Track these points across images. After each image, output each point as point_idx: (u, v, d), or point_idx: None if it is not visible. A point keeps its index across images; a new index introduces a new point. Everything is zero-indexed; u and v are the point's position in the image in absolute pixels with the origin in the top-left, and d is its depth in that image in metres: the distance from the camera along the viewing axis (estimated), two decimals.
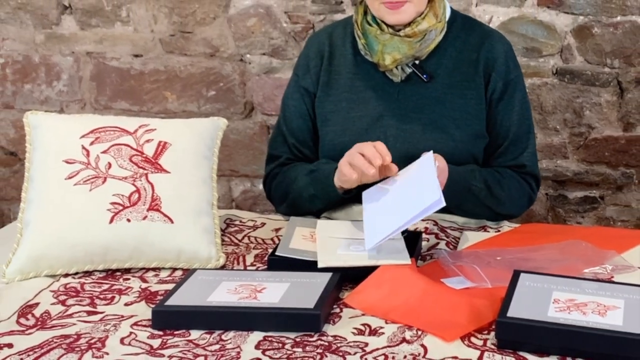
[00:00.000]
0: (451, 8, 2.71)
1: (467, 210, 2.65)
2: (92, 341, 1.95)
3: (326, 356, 1.87)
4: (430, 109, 2.64)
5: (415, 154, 2.52)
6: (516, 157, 2.71)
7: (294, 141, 2.77)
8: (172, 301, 2.05)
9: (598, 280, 2.17)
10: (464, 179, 2.58)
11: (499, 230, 2.62)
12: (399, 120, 2.63)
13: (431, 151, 2.36)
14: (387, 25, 2.58)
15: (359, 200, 2.53)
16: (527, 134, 2.73)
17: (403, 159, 2.51)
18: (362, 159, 2.35)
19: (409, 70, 2.64)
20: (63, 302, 2.16)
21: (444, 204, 2.18)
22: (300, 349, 1.90)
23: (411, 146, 2.59)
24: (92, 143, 2.46)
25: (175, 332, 1.98)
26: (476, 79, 2.66)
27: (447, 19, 2.66)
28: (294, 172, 2.69)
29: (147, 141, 2.49)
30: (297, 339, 1.95)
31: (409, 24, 2.57)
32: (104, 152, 2.45)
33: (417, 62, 2.64)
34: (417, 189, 2.29)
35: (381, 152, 2.34)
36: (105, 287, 2.26)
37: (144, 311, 2.10)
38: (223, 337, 1.96)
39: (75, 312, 2.10)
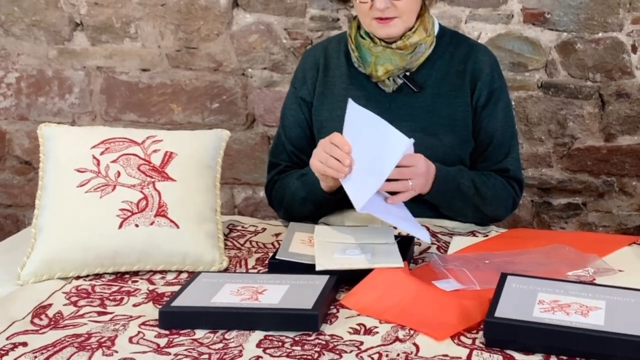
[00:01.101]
0: (439, 24, 2.71)
1: (456, 209, 2.65)
2: (102, 340, 1.95)
3: (323, 354, 1.87)
4: (421, 117, 2.65)
5: None
6: (500, 162, 2.71)
7: (292, 149, 2.77)
8: (178, 302, 2.05)
9: (581, 282, 2.17)
10: (452, 177, 2.58)
11: (487, 235, 2.62)
12: None
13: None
14: (380, 39, 2.60)
15: (352, 205, 2.54)
16: (510, 140, 2.74)
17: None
18: (334, 162, 2.35)
19: (400, 81, 2.65)
20: (75, 303, 2.16)
21: (412, 140, 2.27)
22: (299, 348, 1.90)
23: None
24: (102, 153, 2.46)
25: (181, 332, 1.98)
26: (463, 89, 2.67)
27: (435, 33, 2.67)
28: (289, 177, 2.70)
29: (154, 151, 2.49)
30: (296, 338, 1.94)
31: (401, 37, 2.59)
32: (114, 161, 2.45)
33: (407, 73, 2.65)
34: (382, 142, 2.32)
35: (341, 146, 2.35)
36: (115, 288, 2.26)
37: (152, 312, 2.10)
38: (226, 336, 1.96)
39: (86, 313, 2.10)
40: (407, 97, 2.67)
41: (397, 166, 2.39)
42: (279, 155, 2.80)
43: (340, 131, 2.57)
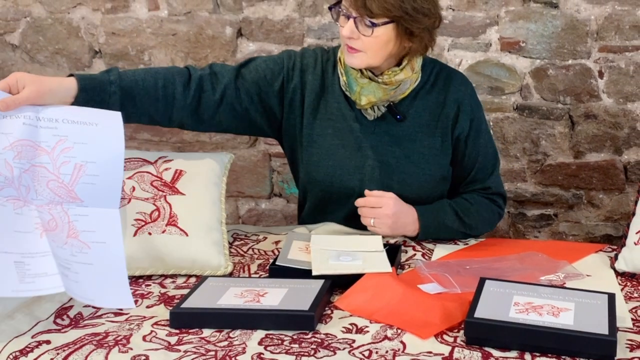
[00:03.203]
0: None
1: (445, 239, 2.62)
2: (119, 338, 1.95)
3: (319, 351, 1.87)
4: (404, 145, 2.58)
5: (391, 183, 2.56)
6: (483, 182, 2.68)
7: (225, 81, 2.53)
8: (187, 304, 2.05)
9: (552, 286, 2.17)
10: (435, 218, 2.57)
11: (467, 244, 2.62)
12: (376, 152, 2.58)
13: None
14: (367, 69, 2.49)
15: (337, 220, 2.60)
16: (493, 160, 2.70)
17: (380, 186, 2.55)
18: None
19: (382, 110, 2.56)
20: (94, 305, 2.16)
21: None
22: (297, 345, 1.90)
23: (387, 176, 2.58)
24: None
25: (190, 331, 1.98)
26: (442, 119, 2.59)
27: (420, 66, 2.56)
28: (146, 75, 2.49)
29: (166, 169, 2.50)
30: (295, 337, 1.95)
31: (388, 72, 2.48)
32: (129, 178, 2.45)
33: (391, 103, 2.56)
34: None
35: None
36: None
37: (163, 313, 2.10)
38: (231, 334, 1.96)
39: (104, 314, 2.10)
40: (390, 125, 2.58)
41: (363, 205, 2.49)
42: (219, 69, 2.57)
43: (330, 147, 2.56)
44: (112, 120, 2.28)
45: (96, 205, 2.22)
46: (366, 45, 2.40)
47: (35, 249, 2.09)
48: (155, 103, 2.47)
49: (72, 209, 2.20)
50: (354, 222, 2.58)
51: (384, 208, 2.50)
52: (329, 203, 2.63)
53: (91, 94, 2.35)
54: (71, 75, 2.36)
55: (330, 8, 2.46)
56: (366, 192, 2.53)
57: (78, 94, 2.32)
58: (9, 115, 2.17)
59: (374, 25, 2.36)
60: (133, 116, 2.47)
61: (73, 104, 2.31)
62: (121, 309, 2.12)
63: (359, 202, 2.54)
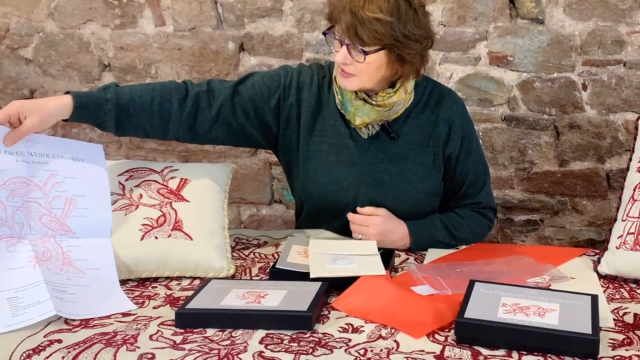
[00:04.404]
0: None
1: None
2: (127, 337, 1.95)
3: (317, 350, 1.88)
4: (397, 162, 2.55)
5: (384, 199, 2.55)
6: (474, 197, 2.67)
7: (222, 98, 2.51)
8: (192, 305, 2.05)
9: (538, 288, 2.17)
10: (427, 233, 2.57)
11: (457, 248, 2.62)
12: (370, 169, 2.55)
13: None
14: (361, 91, 2.46)
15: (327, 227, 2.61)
16: (484, 175, 2.68)
17: (374, 202, 2.55)
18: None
19: (376, 129, 2.53)
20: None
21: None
22: (296, 344, 1.91)
23: (380, 192, 2.56)
24: (127, 180, 2.48)
25: (194, 330, 1.98)
26: (434, 137, 2.56)
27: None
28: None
29: (171, 178, 2.50)
30: (294, 336, 1.95)
31: (382, 94, 2.45)
32: (137, 186, 2.46)
33: (385, 122, 2.53)
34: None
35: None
36: (137, 293, 2.25)
37: (169, 313, 2.10)
38: (233, 334, 1.96)
39: (113, 314, 2.10)
40: (384, 143, 2.55)
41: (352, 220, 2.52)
42: (216, 85, 2.54)
43: (325, 164, 2.55)
44: (94, 154, 2.34)
45: (88, 236, 2.26)
46: (359, 70, 2.38)
47: (28, 281, 2.10)
48: (151, 119, 2.47)
49: (65, 241, 2.22)
50: (347, 232, 2.59)
51: (370, 227, 2.51)
52: (324, 216, 2.62)
53: (87, 110, 2.36)
54: (68, 92, 2.36)
55: (324, 33, 2.44)
56: (358, 209, 2.54)
57: (73, 111, 2.32)
58: (4, 151, 2.17)
59: (365, 52, 2.34)
60: (129, 130, 2.48)
61: (69, 120, 2.34)
62: (129, 310, 2.12)
63: (349, 216, 2.56)
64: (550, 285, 2.25)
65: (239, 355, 1.85)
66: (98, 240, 2.28)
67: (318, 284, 2.15)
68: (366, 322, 2.03)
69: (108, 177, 2.34)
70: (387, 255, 2.40)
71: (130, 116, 2.43)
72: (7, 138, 2.17)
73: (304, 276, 2.23)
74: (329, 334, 1.97)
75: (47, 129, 2.36)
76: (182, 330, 1.99)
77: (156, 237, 2.36)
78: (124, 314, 2.10)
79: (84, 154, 2.31)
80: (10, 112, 2.20)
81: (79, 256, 2.22)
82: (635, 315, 2.10)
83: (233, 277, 2.39)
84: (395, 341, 1.93)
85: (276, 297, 2.08)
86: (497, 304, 1.99)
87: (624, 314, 2.11)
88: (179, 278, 2.37)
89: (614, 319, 2.06)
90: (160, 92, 2.47)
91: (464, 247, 2.63)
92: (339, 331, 1.99)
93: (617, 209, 2.48)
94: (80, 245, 2.24)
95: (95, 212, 2.30)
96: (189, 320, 2.01)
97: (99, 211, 2.31)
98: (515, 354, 1.85)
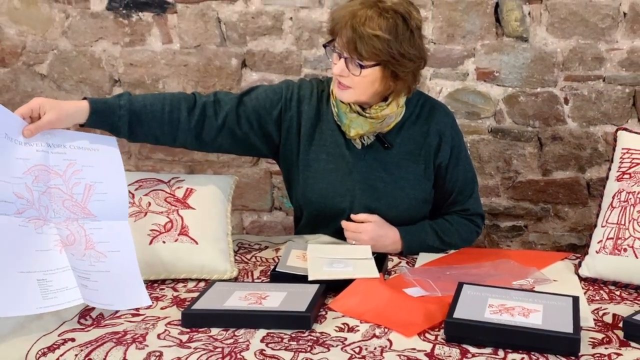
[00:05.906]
0: None
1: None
2: (136, 336, 1.95)
3: (315, 348, 1.88)
4: (390, 171, 2.56)
5: (378, 205, 2.56)
6: (462, 204, 2.67)
7: (227, 108, 2.52)
8: (197, 306, 2.06)
9: (523, 290, 2.18)
10: (418, 238, 2.57)
11: (447, 252, 2.62)
12: (365, 177, 2.56)
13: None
14: (356, 104, 2.47)
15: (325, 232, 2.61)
16: (472, 184, 2.68)
17: (368, 208, 2.55)
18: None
19: (371, 139, 2.54)
20: (113, 309, 2.15)
21: None
22: (295, 342, 1.91)
23: (374, 199, 2.56)
24: (136, 189, 2.48)
25: (200, 330, 1.99)
26: (425, 147, 2.57)
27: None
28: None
29: (178, 187, 2.51)
30: (293, 335, 1.95)
31: (375, 107, 2.46)
32: (145, 195, 2.47)
33: (379, 134, 2.53)
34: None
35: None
36: None
37: (176, 313, 2.10)
38: (236, 333, 1.96)
39: (123, 314, 2.11)
40: (378, 153, 2.56)
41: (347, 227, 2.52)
42: (222, 96, 2.55)
43: (323, 171, 2.56)
44: (109, 145, 2.33)
45: (108, 218, 2.24)
46: (355, 82, 2.39)
47: (56, 265, 2.10)
48: (161, 126, 2.47)
49: (87, 224, 2.21)
50: (343, 235, 2.59)
51: (362, 234, 2.52)
52: (322, 220, 2.63)
53: (102, 115, 2.36)
54: (85, 98, 2.37)
55: (324, 46, 2.46)
56: (352, 216, 2.55)
57: (89, 116, 2.33)
58: (25, 142, 2.18)
59: (362, 67, 2.36)
60: (140, 136, 2.48)
61: (85, 124, 2.34)
62: (138, 310, 2.13)
63: (343, 223, 2.56)
64: (534, 287, 2.25)
65: (242, 353, 1.85)
66: (117, 223, 2.27)
67: (316, 286, 2.15)
68: (361, 322, 2.04)
69: (122, 164, 2.34)
70: (380, 259, 2.40)
71: (142, 122, 2.44)
72: (26, 130, 2.19)
73: (302, 279, 2.23)
74: (326, 333, 1.97)
75: None
76: (188, 330, 1.99)
77: (164, 242, 2.37)
78: (134, 314, 2.10)
79: (98, 145, 2.31)
80: (32, 106, 2.23)
81: (100, 238, 2.22)
82: (614, 315, 2.10)
83: (236, 279, 2.39)
84: (389, 340, 1.93)
85: (276, 298, 2.08)
86: (484, 305, 1.99)
87: (604, 314, 2.11)
88: (185, 280, 2.37)
89: (594, 319, 2.07)
90: (171, 101, 2.48)
91: (453, 251, 2.63)
92: (336, 330, 1.99)
93: (597, 215, 2.48)
94: (102, 228, 2.23)
95: (113, 196, 2.28)
96: (195, 320, 2.01)
97: (117, 195, 2.29)
98: (501, 352, 1.86)
